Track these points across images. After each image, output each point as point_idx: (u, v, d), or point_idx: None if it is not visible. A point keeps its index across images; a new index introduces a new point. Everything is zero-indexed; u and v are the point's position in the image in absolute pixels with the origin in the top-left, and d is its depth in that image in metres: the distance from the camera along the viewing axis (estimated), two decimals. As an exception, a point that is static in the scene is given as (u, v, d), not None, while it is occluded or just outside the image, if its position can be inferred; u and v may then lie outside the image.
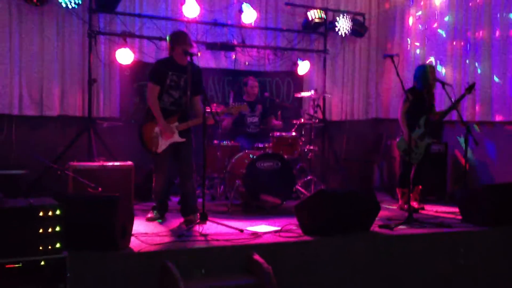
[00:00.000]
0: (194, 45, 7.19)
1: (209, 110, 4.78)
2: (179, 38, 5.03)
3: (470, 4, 6.92)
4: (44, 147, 6.51)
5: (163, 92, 5.02)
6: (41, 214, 3.24)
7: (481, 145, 5.90)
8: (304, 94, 7.31)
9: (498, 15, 6.55)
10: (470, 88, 5.74)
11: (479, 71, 6.77)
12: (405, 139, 5.78)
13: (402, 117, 5.91)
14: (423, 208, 6.03)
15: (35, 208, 3.23)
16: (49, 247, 3.24)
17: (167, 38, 5.15)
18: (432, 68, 6.06)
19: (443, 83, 5.77)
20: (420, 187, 6.14)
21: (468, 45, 6.97)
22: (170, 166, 5.16)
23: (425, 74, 5.95)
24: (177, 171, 5.17)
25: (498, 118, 6.59)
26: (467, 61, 6.97)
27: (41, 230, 3.22)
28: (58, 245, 3.27)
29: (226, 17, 7.67)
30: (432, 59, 7.58)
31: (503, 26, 6.50)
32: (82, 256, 3.59)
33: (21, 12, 6.48)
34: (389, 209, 6.08)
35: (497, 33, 6.56)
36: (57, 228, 3.27)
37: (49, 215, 3.26)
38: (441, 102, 6.76)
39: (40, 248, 3.22)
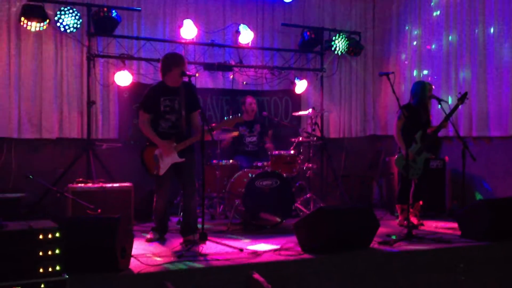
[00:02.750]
0: (192, 66, 7.32)
1: (206, 128, 4.79)
2: (176, 60, 5.03)
3: (465, 21, 7.01)
4: (43, 170, 6.53)
5: (159, 118, 5.04)
6: (40, 237, 3.25)
7: (479, 160, 5.93)
8: (302, 112, 7.36)
9: (492, 31, 6.63)
10: (463, 98, 5.79)
11: (475, 87, 6.83)
12: (403, 156, 5.80)
13: (398, 134, 5.95)
14: (422, 224, 6.03)
15: (34, 231, 3.25)
16: (49, 270, 3.25)
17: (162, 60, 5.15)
18: (430, 86, 6.12)
19: (440, 100, 5.83)
20: (421, 202, 6.15)
21: (463, 62, 7.05)
22: (171, 187, 5.19)
23: (423, 91, 6.01)
24: (180, 190, 5.17)
25: (495, 133, 6.63)
26: (462, 77, 7.04)
27: (40, 253, 3.24)
28: (58, 267, 3.28)
29: (224, 38, 7.76)
30: (427, 74, 7.68)
31: (497, 42, 6.58)
32: (82, 278, 3.59)
33: (20, 36, 6.56)
34: (388, 225, 6.08)
35: (492, 50, 6.64)
36: (57, 251, 3.28)
37: (49, 238, 3.27)
38: (438, 118, 6.80)
39: (40, 270, 3.23)
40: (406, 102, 6.24)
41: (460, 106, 5.90)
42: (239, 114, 5.49)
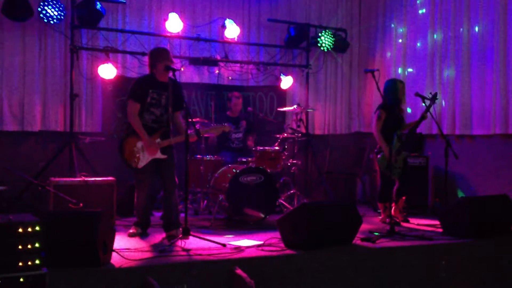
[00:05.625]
0: (177, 60, 7.26)
1: (192, 129, 4.76)
2: (161, 54, 5.03)
3: (450, 20, 7.06)
4: (25, 163, 6.45)
5: (144, 110, 5.00)
6: (20, 230, 3.20)
7: (461, 158, 5.98)
8: (287, 108, 7.37)
9: (477, 30, 6.69)
10: (434, 97, 5.82)
11: (458, 85, 6.89)
12: (385, 156, 5.81)
13: (379, 135, 5.95)
14: (408, 221, 6.07)
15: (14, 224, 3.20)
16: (29, 264, 3.21)
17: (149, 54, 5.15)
18: (402, 84, 6.14)
19: (424, 98, 5.85)
20: (404, 198, 6.15)
21: (448, 60, 7.10)
22: (152, 181, 5.15)
23: (395, 90, 6.03)
24: (160, 186, 5.14)
25: (478, 131, 6.69)
26: (447, 76, 7.09)
27: (20, 247, 3.19)
28: (37, 261, 3.24)
29: (209, 32, 7.73)
30: (411, 72, 7.73)
31: (481, 41, 6.63)
32: (63, 272, 3.55)
33: (3, 27, 6.47)
34: (371, 222, 6.11)
35: (476, 49, 6.69)
36: (37, 245, 3.24)
37: (28, 231, 3.22)
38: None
39: (20, 264, 3.19)
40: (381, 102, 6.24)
41: (432, 106, 5.89)
42: (226, 124, 5.45)
